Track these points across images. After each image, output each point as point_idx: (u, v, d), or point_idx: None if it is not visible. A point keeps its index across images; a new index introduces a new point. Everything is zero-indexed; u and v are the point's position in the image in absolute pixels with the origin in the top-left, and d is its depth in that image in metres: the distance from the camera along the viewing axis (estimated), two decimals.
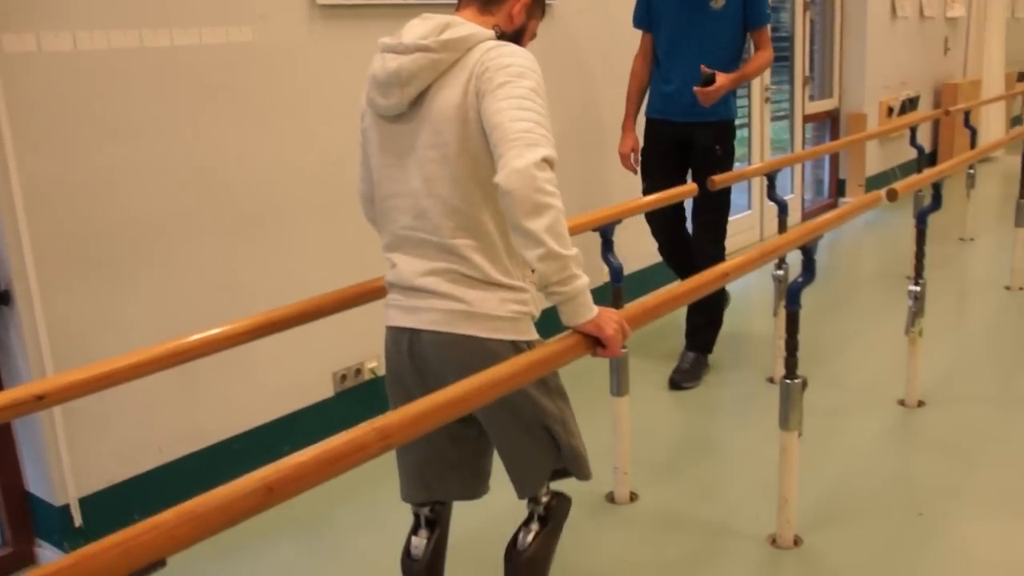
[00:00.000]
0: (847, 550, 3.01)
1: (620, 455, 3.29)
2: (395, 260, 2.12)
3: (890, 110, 8.81)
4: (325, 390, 3.89)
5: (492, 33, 2.03)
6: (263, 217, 3.57)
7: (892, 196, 3.39)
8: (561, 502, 2.31)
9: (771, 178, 4.25)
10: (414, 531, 2.33)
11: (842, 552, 3.00)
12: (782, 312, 3.44)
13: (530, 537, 2.26)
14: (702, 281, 2.30)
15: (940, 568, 2.91)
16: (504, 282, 2.04)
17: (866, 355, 4.81)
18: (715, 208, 4.35)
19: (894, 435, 3.92)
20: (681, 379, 4.47)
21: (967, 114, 7.52)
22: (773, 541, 3.05)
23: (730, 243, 4.58)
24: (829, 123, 8.56)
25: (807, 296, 2.84)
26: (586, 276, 1.85)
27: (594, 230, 3.07)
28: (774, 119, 7.47)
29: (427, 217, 2.03)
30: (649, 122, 4.53)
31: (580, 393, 4.22)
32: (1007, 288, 5.88)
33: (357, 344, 4.00)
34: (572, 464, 2.26)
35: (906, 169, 8.83)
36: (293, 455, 1.37)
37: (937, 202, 3.90)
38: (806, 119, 7.88)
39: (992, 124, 10.72)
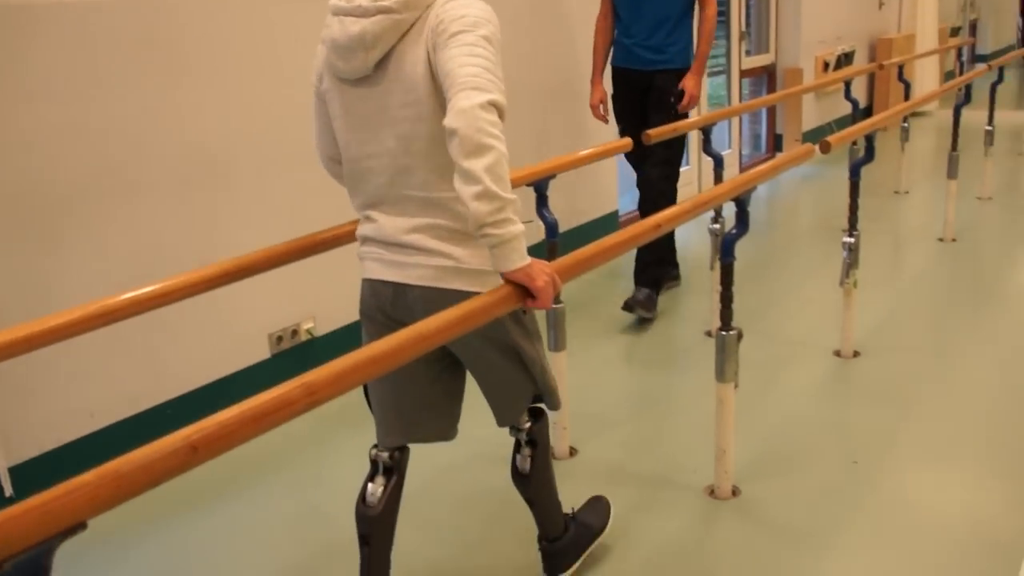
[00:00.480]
0: (784, 499, 3.05)
1: (559, 410, 3.28)
2: (374, 216, 2.15)
3: (826, 65, 8.86)
4: (261, 352, 3.85)
5: None
6: (191, 177, 3.50)
7: (825, 148, 3.39)
8: (541, 423, 2.48)
9: (707, 132, 4.26)
10: (371, 478, 2.35)
11: (779, 501, 3.03)
12: (719, 266, 3.45)
13: (528, 462, 2.46)
14: (633, 233, 2.29)
15: (875, 514, 2.95)
16: None
17: (802, 307, 4.85)
18: (668, 144, 4.41)
19: (830, 385, 3.96)
20: (636, 303, 4.58)
21: (901, 68, 7.57)
22: (712, 492, 3.07)
23: None
24: (766, 78, 8.59)
25: (745, 251, 2.85)
26: (522, 225, 1.84)
27: (528, 184, 3.04)
28: (711, 74, 7.48)
29: (410, 173, 2.06)
30: (615, 71, 4.89)
31: None
32: (940, 240, 5.96)
33: (293, 305, 3.96)
34: (546, 397, 2.40)
35: (842, 123, 8.89)
36: (218, 413, 1.34)
37: (870, 154, 3.93)
38: (743, 74, 7.90)
39: (926, 78, 10.84)
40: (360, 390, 2.15)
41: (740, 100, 7.82)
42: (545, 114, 5.17)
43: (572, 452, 3.37)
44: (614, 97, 4.92)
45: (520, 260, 1.85)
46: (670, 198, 4.68)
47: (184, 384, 3.55)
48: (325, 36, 2.07)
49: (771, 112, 8.66)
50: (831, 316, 4.27)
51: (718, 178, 4.19)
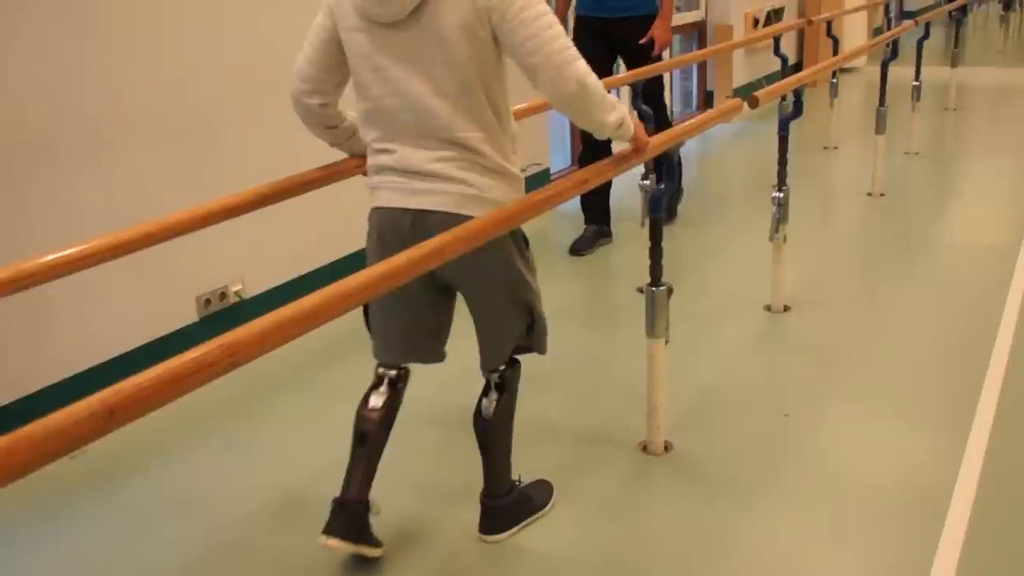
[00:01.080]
0: (715, 453, 3.07)
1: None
2: (393, 148, 2.28)
3: (755, 21, 8.88)
4: (188, 315, 3.79)
5: None
6: (112, 140, 3.42)
7: (753, 103, 3.40)
8: (515, 370, 2.60)
9: (636, 88, 4.25)
10: (374, 388, 2.53)
11: (711, 455, 3.06)
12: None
13: (493, 405, 2.55)
14: (559, 189, 2.28)
15: (805, 466, 2.99)
16: (507, 168, 2.30)
17: (734, 262, 4.89)
18: (656, 80, 4.84)
19: (760, 340, 4.00)
20: (578, 245, 5.02)
21: (829, 24, 7.60)
22: (644, 448, 3.08)
23: None
24: (696, 35, 8.59)
25: (679, 207, 2.84)
26: (624, 110, 2.30)
27: None
28: None
29: (435, 114, 2.20)
30: (579, 19, 5.03)
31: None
32: (869, 194, 6.03)
33: (221, 266, 3.89)
34: (540, 337, 2.58)
35: (772, 79, 8.91)
36: (135, 376, 1.30)
37: (798, 109, 3.94)
38: (673, 31, 7.88)
39: (855, 34, 10.92)
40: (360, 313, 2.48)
41: (671, 56, 7.81)
42: None
43: None
44: (577, 45, 4.78)
45: (630, 132, 2.37)
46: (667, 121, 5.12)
47: (109, 349, 3.48)
48: None
49: (702, 68, 8.67)
50: (762, 271, 4.30)
51: (648, 134, 4.17)
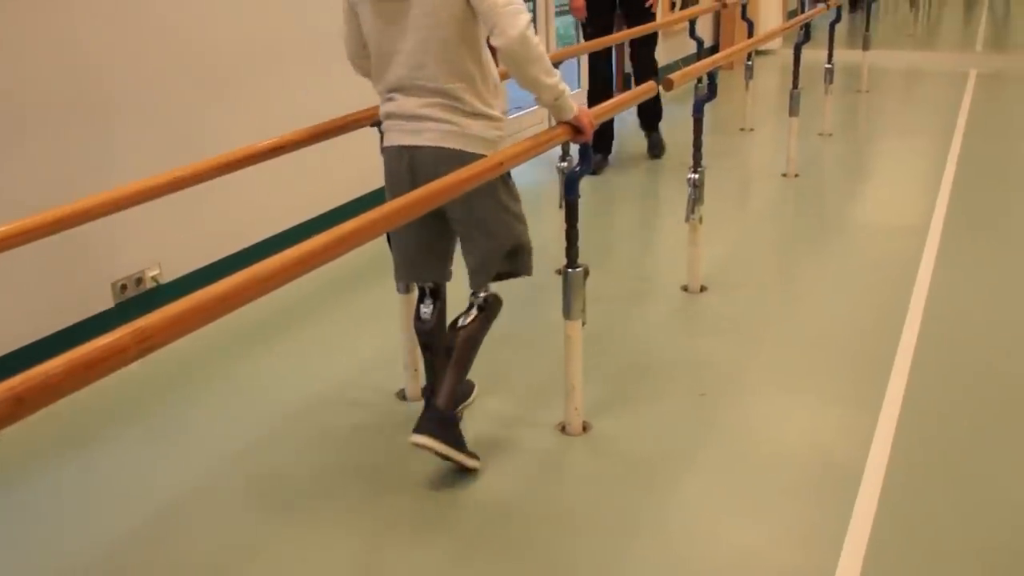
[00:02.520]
0: (633, 432, 3.11)
1: (409, 353, 3.28)
2: (395, 97, 2.74)
3: (672, 4, 8.95)
4: (104, 302, 3.72)
5: None
6: (22, 121, 3.34)
7: (668, 86, 3.43)
8: (497, 299, 2.96)
9: (633, 42, 4.25)
10: (420, 300, 3.00)
11: (628, 435, 3.10)
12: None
13: (470, 319, 2.89)
14: (475, 171, 2.29)
15: (722, 444, 3.04)
16: (486, 112, 2.72)
17: (651, 243, 4.94)
18: (648, 42, 6.01)
19: (677, 320, 4.05)
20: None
21: (744, 7, 7.71)
22: (562, 429, 3.11)
23: (519, 139, 4.64)
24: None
25: (595, 189, 2.87)
26: (567, 87, 2.68)
27: (372, 125, 2.99)
28: (558, 13, 7.48)
29: (424, 68, 2.65)
30: None
31: (370, 295, 4.21)
32: (784, 175, 6.12)
33: (138, 250, 3.83)
34: (524, 260, 2.97)
35: (689, 62, 9.02)
36: (44, 363, 1.28)
37: (712, 91, 3.99)
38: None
39: (770, 17, 11.05)
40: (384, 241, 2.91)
41: (497, 62, 7.82)
42: None
43: (423, 393, 3.35)
44: (588, 6, 6.05)
45: (571, 112, 2.74)
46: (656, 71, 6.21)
47: (20, 337, 3.41)
48: None
49: (619, 51, 8.71)
50: (678, 252, 4.36)
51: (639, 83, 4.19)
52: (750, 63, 7.38)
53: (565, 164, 4.26)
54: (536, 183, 5.38)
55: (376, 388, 3.42)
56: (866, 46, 8.98)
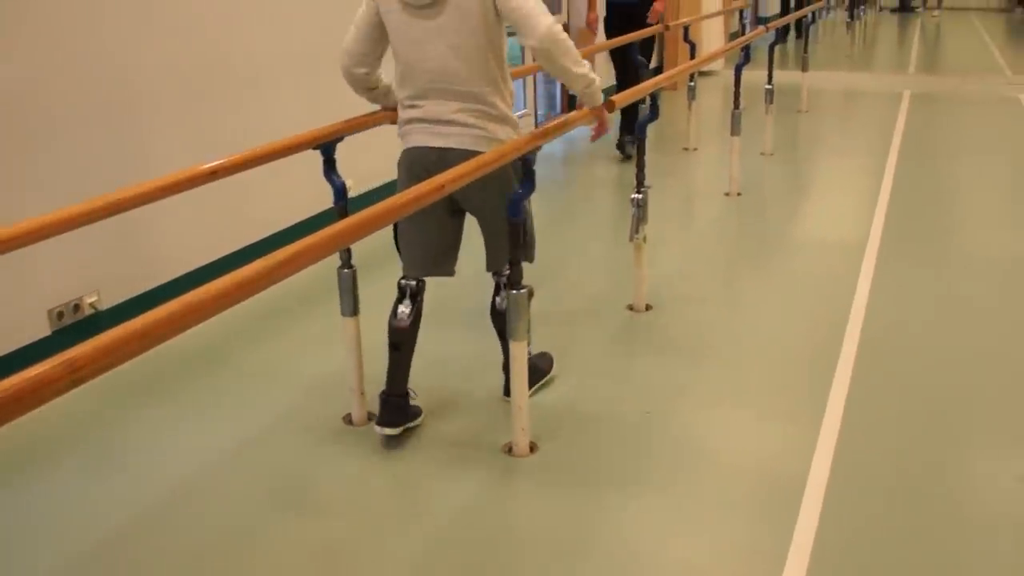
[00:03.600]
0: (580, 452, 3.11)
1: (355, 375, 3.26)
2: (420, 104, 2.99)
3: None
4: (40, 329, 3.66)
5: None
6: None
7: (610, 107, 3.45)
8: (518, 269, 3.05)
9: (635, 44, 4.27)
10: (399, 301, 3.17)
11: (575, 454, 3.10)
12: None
13: (502, 298, 3.18)
14: (417, 194, 2.28)
15: (665, 461, 3.05)
16: (508, 115, 3.03)
17: (596, 263, 4.96)
18: (649, 49, 7.26)
19: (624, 339, 4.06)
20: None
21: (687, 29, 7.78)
22: (509, 450, 3.10)
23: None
24: None
25: (540, 209, 2.89)
26: (597, 77, 3.04)
27: (315, 148, 2.98)
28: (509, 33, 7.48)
29: (456, 73, 2.92)
30: (611, 5, 7.42)
31: (313, 318, 4.19)
32: (726, 194, 6.18)
33: (75, 277, 3.77)
34: (530, 249, 3.23)
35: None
36: None
37: (655, 112, 4.03)
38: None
39: (712, 39, 11.19)
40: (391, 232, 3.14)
41: (534, 59, 7.87)
42: (336, 74, 5.08)
43: (370, 417, 3.32)
44: (606, 21, 7.46)
45: (599, 100, 3.11)
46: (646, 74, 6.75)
47: None
48: None
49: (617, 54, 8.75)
50: (624, 271, 4.38)
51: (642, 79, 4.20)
52: (693, 84, 7.45)
53: None
54: None
55: (320, 414, 3.39)
56: (804, 67, 9.13)
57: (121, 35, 3.87)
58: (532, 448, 3.11)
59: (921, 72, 12.52)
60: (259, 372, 3.78)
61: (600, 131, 3.23)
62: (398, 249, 3.22)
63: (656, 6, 7.27)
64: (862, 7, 16.50)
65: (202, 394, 3.60)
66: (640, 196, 4.02)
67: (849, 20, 15.12)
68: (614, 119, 5.91)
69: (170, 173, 2.55)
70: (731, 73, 6.38)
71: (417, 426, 3.26)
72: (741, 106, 6.14)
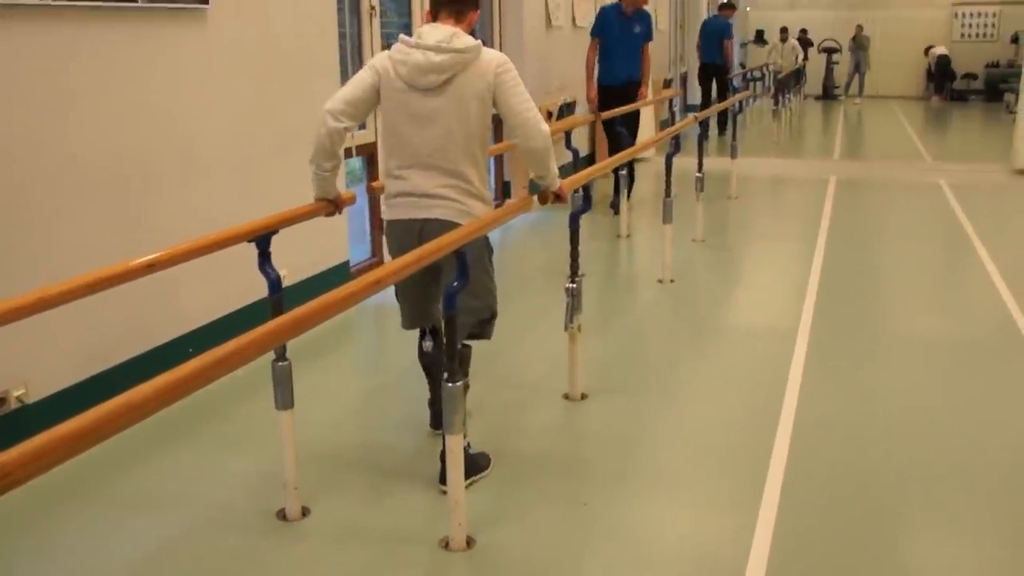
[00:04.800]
0: (518, 546, 3.09)
1: (289, 470, 3.21)
2: (406, 176, 3.33)
3: (549, 114, 9.16)
4: None
5: (479, 42, 3.30)
6: None
7: (543, 199, 3.53)
8: (467, 350, 3.56)
9: (621, 118, 4.31)
10: (422, 337, 3.66)
11: (513, 548, 3.07)
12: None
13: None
14: (353, 289, 2.29)
15: (604, 553, 3.04)
16: (484, 194, 3.39)
17: (532, 352, 4.96)
18: (633, 122, 8.59)
19: (560, 428, 4.07)
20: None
21: (605, 123, 7.94)
22: (447, 544, 3.06)
23: None
24: (493, 127, 8.77)
25: None
26: (556, 169, 3.47)
27: (250, 241, 2.98)
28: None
29: (445, 152, 3.27)
30: (601, 87, 8.59)
31: (245, 409, 4.13)
32: (660, 281, 6.25)
33: (1, 368, 3.68)
34: (488, 325, 3.60)
35: (565, 171, 9.21)
36: None
37: (587, 203, 4.09)
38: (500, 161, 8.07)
39: (644, 127, 11.38)
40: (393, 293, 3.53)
41: (505, 194, 8.02)
42: (272, 164, 5.09)
43: (305, 512, 3.27)
44: (599, 99, 8.51)
45: (556, 184, 3.50)
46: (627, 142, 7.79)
47: None
48: (401, 60, 3.26)
49: (499, 160, 8.86)
50: (560, 359, 4.40)
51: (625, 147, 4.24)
52: (623, 172, 7.57)
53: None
54: None
55: (253, 510, 3.33)
56: (733, 155, 9.33)
57: (51, 123, 3.85)
58: (469, 543, 3.07)
59: (846, 158, 12.88)
60: (188, 467, 3.70)
61: (562, 204, 3.68)
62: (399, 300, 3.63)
63: (641, 91, 8.69)
64: (788, 95, 16.94)
65: (128, 492, 3.52)
66: (574, 285, 4.05)
67: (775, 107, 15.50)
68: (609, 181, 8.37)
69: (102, 263, 2.53)
70: (662, 159, 6.49)
71: (485, 476, 3.52)
72: (673, 194, 6.24)
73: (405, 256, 2.71)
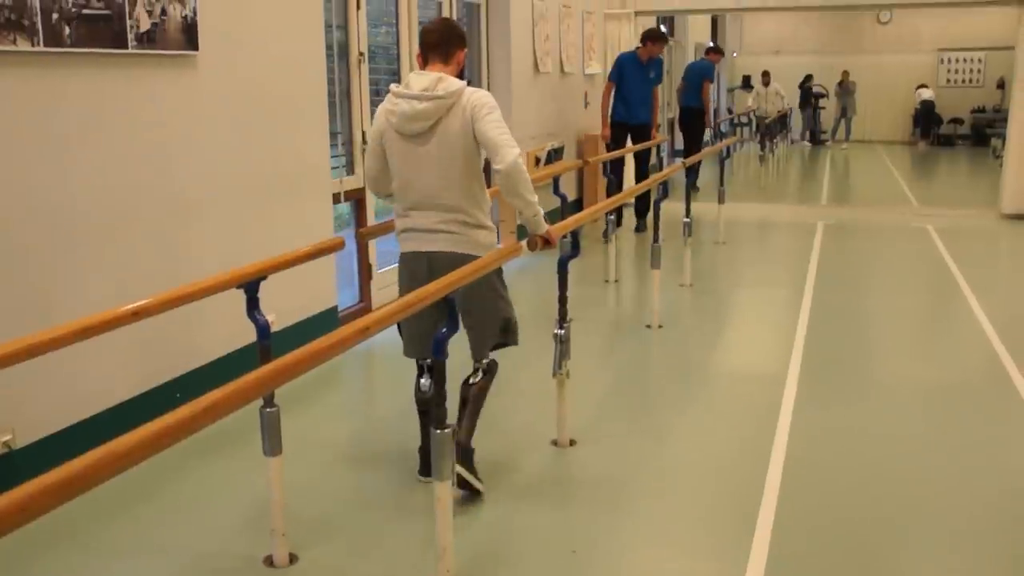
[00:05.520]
0: None
1: (276, 516, 3.19)
2: (413, 215, 3.64)
3: (537, 160, 9.22)
4: None
5: (463, 82, 3.56)
6: None
7: (532, 245, 3.55)
8: (494, 363, 3.87)
9: (637, 156, 4.35)
10: (420, 375, 3.75)
11: None
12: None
13: (477, 379, 3.78)
14: (342, 336, 2.29)
15: None
16: (485, 223, 3.68)
17: (520, 398, 4.95)
18: (645, 160, 10.22)
19: (549, 475, 4.05)
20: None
21: (606, 164, 7.99)
22: None
23: (387, 292, 4.67)
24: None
25: (462, 344, 2.90)
26: (541, 209, 3.64)
27: (238, 287, 2.98)
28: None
29: (442, 191, 3.56)
30: (615, 124, 9.77)
31: (232, 454, 4.11)
32: (648, 326, 6.26)
33: None
34: (513, 334, 3.90)
35: (553, 217, 9.25)
36: None
37: (576, 249, 4.11)
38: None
39: (631, 173, 11.45)
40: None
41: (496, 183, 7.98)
42: (261, 209, 5.11)
43: (292, 559, 3.25)
44: (612, 135, 9.72)
45: (542, 228, 3.68)
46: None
47: None
48: (391, 110, 3.56)
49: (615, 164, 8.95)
50: (548, 405, 4.39)
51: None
52: (612, 217, 7.61)
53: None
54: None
55: (240, 556, 3.31)
56: (721, 200, 9.38)
57: (39, 169, 3.85)
58: None
59: (833, 203, 12.95)
60: (174, 513, 3.68)
61: (550, 248, 3.81)
62: (400, 332, 3.78)
63: (653, 132, 9.88)
64: (774, 140, 17.08)
65: (114, 538, 3.49)
66: (562, 331, 4.07)
67: (762, 153, 15.63)
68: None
69: (92, 307, 2.53)
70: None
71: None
72: (660, 239, 6.27)
73: (392, 304, 2.71)
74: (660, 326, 6.24)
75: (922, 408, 4.79)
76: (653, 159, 13.66)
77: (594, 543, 3.39)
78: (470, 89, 3.55)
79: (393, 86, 3.61)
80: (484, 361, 3.78)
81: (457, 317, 2.96)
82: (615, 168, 9.25)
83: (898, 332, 6.37)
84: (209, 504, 3.76)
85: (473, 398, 3.76)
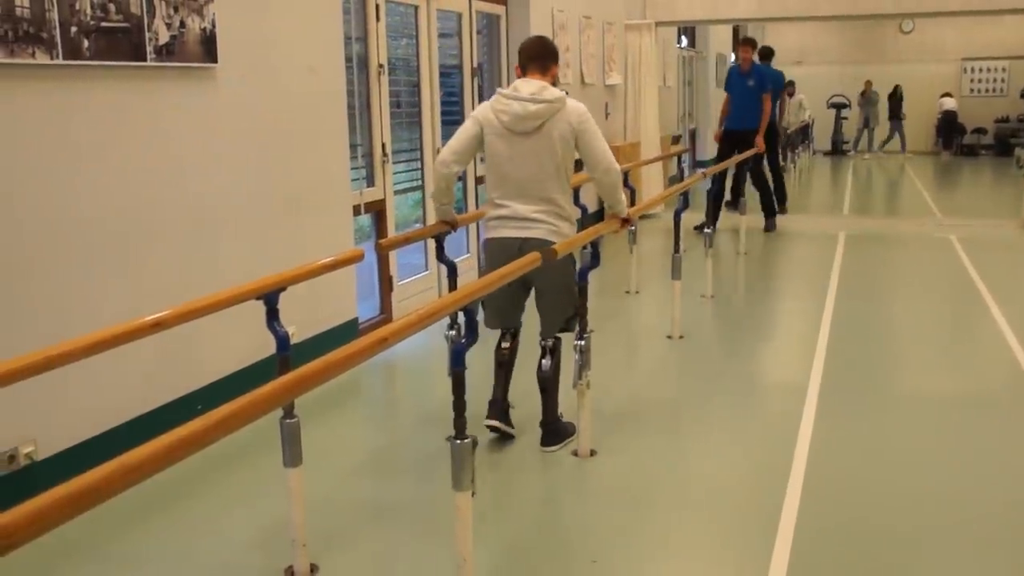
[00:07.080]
0: None
1: (297, 527, 3.20)
2: (507, 203, 4.14)
3: None
4: None
5: (564, 92, 4.12)
6: None
7: (549, 256, 3.54)
8: (559, 341, 4.30)
9: (439, 240, 4.36)
10: (502, 338, 4.34)
11: None
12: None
13: (547, 361, 4.25)
14: (360, 347, 2.29)
15: None
16: (571, 215, 4.21)
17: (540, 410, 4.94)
18: (757, 161, 10.52)
19: (569, 486, 4.04)
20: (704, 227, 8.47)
21: (626, 174, 7.95)
22: None
23: (407, 304, 4.68)
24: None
25: (480, 356, 2.89)
26: (625, 200, 4.37)
27: (257, 298, 2.99)
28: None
29: (539, 183, 4.08)
30: (726, 131, 10.59)
31: (253, 465, 4.12)
32: (669, 337, 6.24)
33: (10, 426, 3.68)
34: (578, 319, 4.16)
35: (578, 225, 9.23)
36: None
37: (596, 260, 4.10)
38: (478, 180, 8.09)
39: (652, 183, 11.46)
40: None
41: (476, 207, 7.99)
42: (281, 221, 5.12)
43: (313, 569, 3.26)
44: (722, 139, 10.58)
45: (625, 211, 4.35)
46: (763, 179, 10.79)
47: None
48: (502, 109, 4.06)
49: (575, 191, 8.88)
50: (568, 415, 4.38)
51: (452, 285, 4.29)
52: (633, 228, 7.60)
53: (454, 332, 4.30)
54: (427, 350, 5.37)
55: (261, 567, 3.32)
56: (743, 211, 9.35)
57: (59, 182, 3.88)
58: None
59: (855, 214, 12.88)
60: (195, 523, 3.69)
61: (624, 228, 4.54)
62: (482, 305, 4.07)
63: (759, 139, 10.24)
64: (797, 150, 17.02)
65: (133, 549, 3.50)
66: (583, 342, 4.06)
67: (783, 163, 15.57)
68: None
69: (112, 319, 2.54)
70: (671, 215, 6.51)
71: (571, 441, 4.32)
72: (681, 249, 6.26)
73: (409, 316, 2.69)
74: (681, 337, 6.22)
75: (944, 419, 4.75)
76: (673, 171, 13.65)
77: (614, 552, 3.38)
78: (571, 100, 4.08)
79: (500, 89, 4.12)
80: (551, 340, 4.23)
81: (476, 327, 2.94)
82: (718, 175, 9.03)
83: (920, 343, 6.32)
84: (229, 515, 3.77)
85: (548, 379, 4.25)
